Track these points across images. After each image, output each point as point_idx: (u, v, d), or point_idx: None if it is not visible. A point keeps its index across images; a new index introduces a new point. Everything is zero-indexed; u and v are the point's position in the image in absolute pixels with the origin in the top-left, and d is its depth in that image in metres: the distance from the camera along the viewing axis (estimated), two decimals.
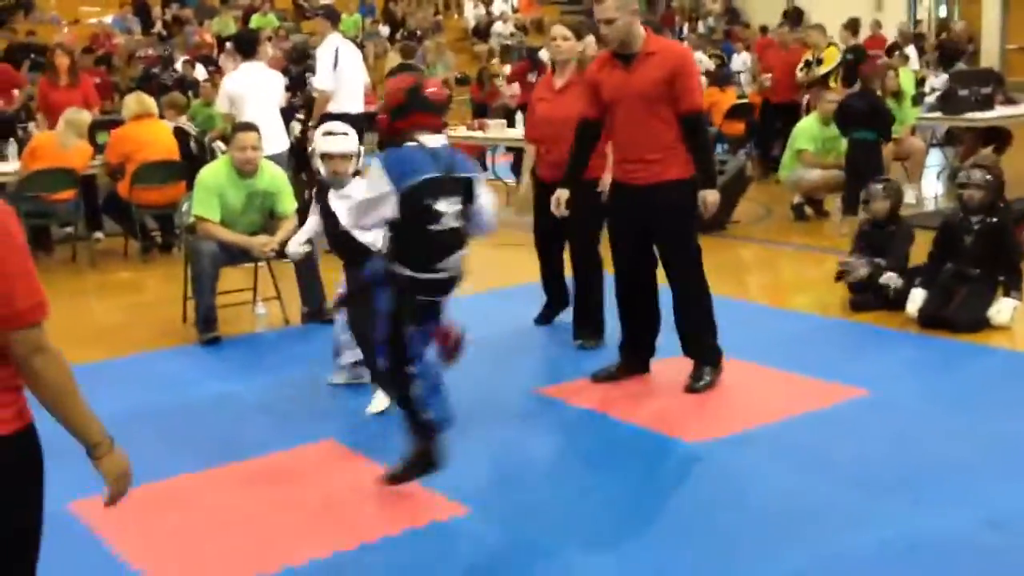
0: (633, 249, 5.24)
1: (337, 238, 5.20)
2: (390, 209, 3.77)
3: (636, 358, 5.42)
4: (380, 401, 4.96)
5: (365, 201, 3.89)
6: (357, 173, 5.32)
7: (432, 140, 3.86)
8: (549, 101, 6.02)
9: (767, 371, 5.45)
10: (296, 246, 5.45)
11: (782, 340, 6.06)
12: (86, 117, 9.14)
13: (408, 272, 3.86)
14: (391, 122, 3.91)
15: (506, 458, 4.58)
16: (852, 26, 14.83)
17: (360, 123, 9.21)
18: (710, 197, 5.03)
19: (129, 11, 19.50)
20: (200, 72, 15.03)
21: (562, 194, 5.31)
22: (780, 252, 9.09)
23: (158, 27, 19.55)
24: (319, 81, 9.10)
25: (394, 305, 3.89)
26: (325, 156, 5.22)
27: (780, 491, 4.07)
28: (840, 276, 6.81)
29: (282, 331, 6.61)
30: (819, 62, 11.83)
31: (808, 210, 9.92)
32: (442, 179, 3.79)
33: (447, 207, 3.81)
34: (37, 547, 2.29)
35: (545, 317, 6.50)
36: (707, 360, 5.22)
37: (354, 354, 5.15)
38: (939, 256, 6.36)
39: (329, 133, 5.32)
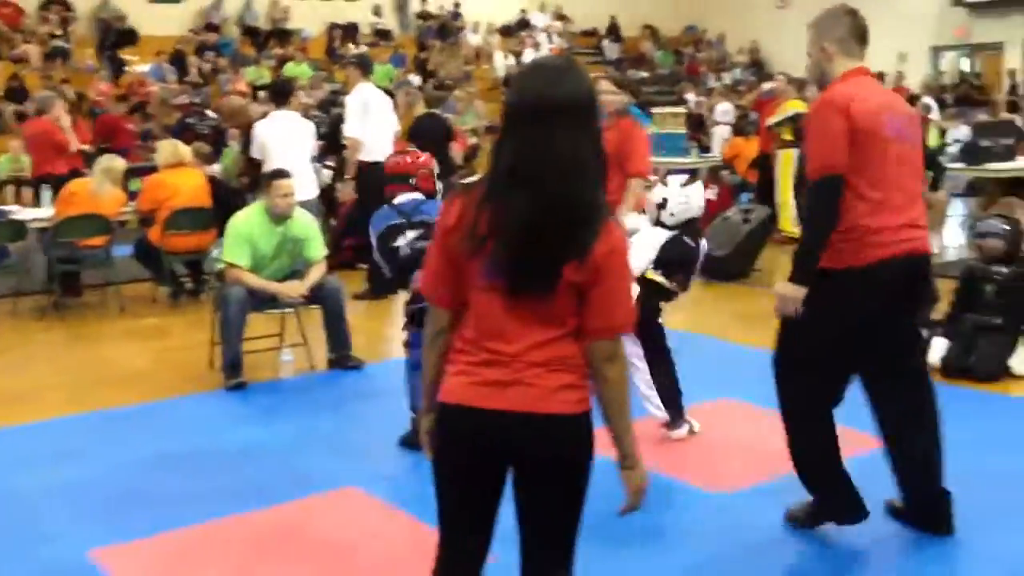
0: None
1: None
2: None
3: None
4: None
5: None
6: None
7: (401, 198, 5.36)
8: None
9: None
10: None
11: None
12: (120, 164, 9.29)
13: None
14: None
15: None
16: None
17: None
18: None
19: (165, 60, 19.81)
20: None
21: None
22: None
23: (193, 75, 19.84)
24: (348, 129, 9.21)
25: None
26: None
27: (808, 539, 4.07)
28: None
29: (308, 377, 6.68)
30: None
31: None
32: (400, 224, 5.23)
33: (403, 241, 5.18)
34: None
35: None
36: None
37: None
38: (960, 306, 6.37)
39: None
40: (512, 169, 2.39)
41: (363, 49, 21.53)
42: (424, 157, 5.54)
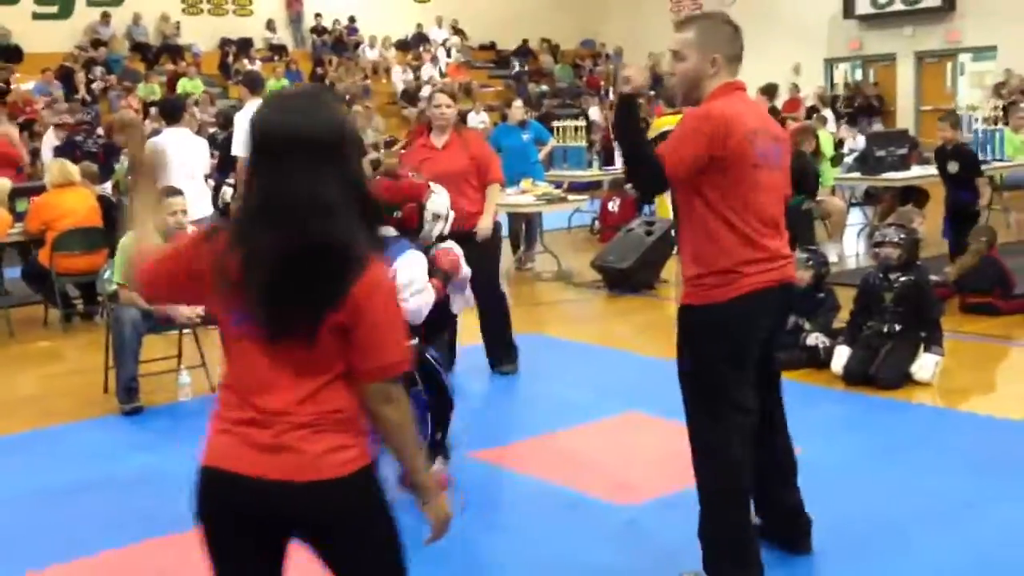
0: None
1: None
2: None
3: None
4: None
5: None
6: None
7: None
8: (433, 159, 6.40)
9: None
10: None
11: None
12: (5, 184, 8.97)
13: None
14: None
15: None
16: (769, 91, 15.17)
17: None
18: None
19: (51, 76, 19.27)
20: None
21: None
22: None
23: (82, 93, 19.34)
24: (235, 147, 9.04)
25: None
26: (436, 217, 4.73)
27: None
28: None
29: (207, 398, 6.48)
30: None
31: None
32: None
33: None
34: None
35: None
36: None
37: None
38: (860, 314, 6.47)
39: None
40: (260, 208, 2.23)
41: (256, 65, 21.27)
42: (419, 184, 4.53)
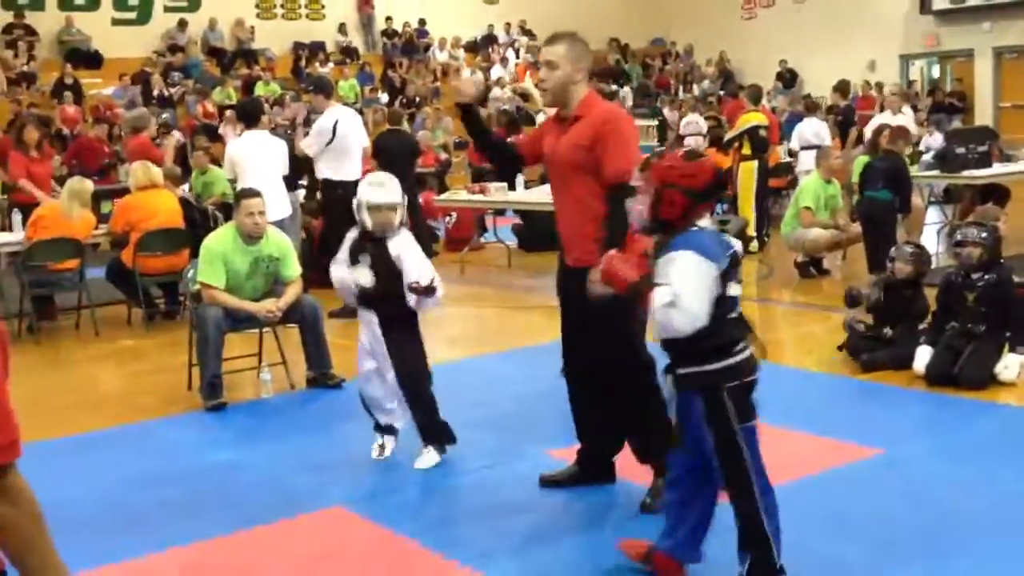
0: (575, 340, 4.58)
1: (386, 285, 5.08)
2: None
3: (596, 465, 4.78)
4: (431, 457, 5.11)
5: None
6: (403, 224, 5.19)
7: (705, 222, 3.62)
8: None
9: (779, 431, 5.38)
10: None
11: (791, 399, 6.00)
12: (89, 186, 9.18)
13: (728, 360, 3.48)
14: (695, 206, 3.54)
15: (521, 522, 4.50)
16: (841, 88, 14.99)
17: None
18: (594, 275, 3.86)
19: (128, 82, 19.66)
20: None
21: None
22: (782, 311, 9.10)
23: (160, 95, 19.71)
24: (305, 144, 9.16)
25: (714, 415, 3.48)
26: (372, 208, 5.07)
27: (796, 552, 4.02)
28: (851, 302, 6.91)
29: (288, 396, 6.59)
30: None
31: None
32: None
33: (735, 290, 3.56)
34: None
35: None
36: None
37: (386, 414, 5.27)
38: (943, 314, 6.37)
39: (376, 184, 5.17)
40: None
41: (328, 68, 21.50)
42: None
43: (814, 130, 13.22)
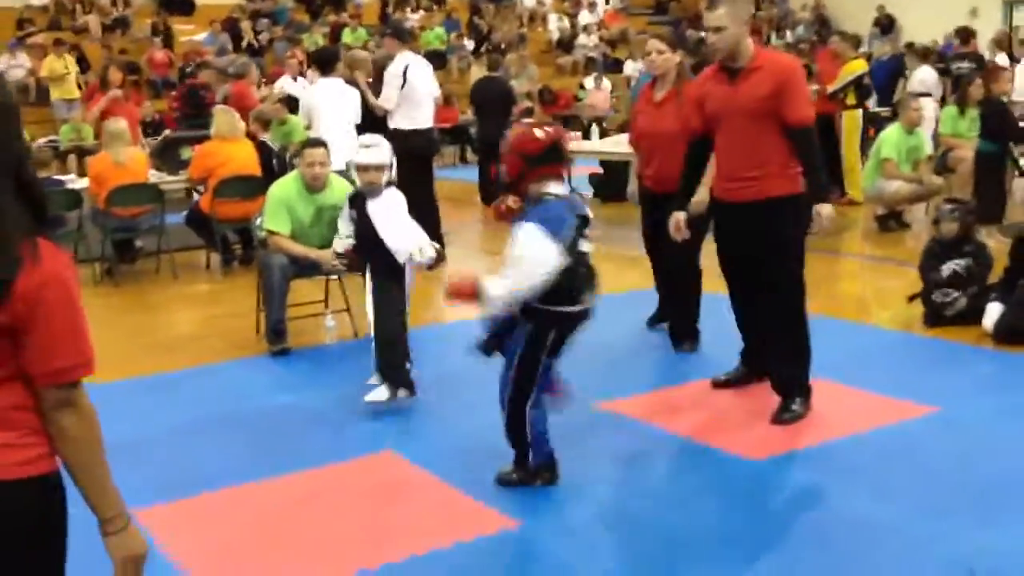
0: (742, 270, 5.09)
1: (369, 242, 5.44)
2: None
3: (757, 364, 5.34)
4: (380, 392, 5.28)
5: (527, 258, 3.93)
6: (391, 184, 5.59)
7: (560, 189, 4.05)
8: (648, 114, 6.13)
9: (837, 387, 5.34)
10: (340, 246, 5.78)
11: (855, 356, 5.95)
12: (123, 124, 9.15)
13: (561, 308, 4.04)
14: (526, 168, 3.99)
15: (563, 476, 4.52)
16: (963, 35, 14.39)
17: (432, 137, 9.30)
18: (824, 211, 4.79)
19: (219, 28, 19.90)
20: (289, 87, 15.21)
21: (679, 217, 5.20)
22: (859, 264, 8.94)
23: (248, 44, 19.93)
24: (383, 99, 9.10)
25: (532, 342, 4.08)
26: (360, 168, 5.50)
27: (843, 510, 4.00)
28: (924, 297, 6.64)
29: (351, 343, 6.69)
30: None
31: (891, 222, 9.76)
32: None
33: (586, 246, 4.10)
34: None
35: (659, 318, 6.62)
36: (796, 393, 5.00)
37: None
38: (1015, 271, 6.19)
39: (364, 146, 5.58)
40: None
41: (417, 15, 21.47)
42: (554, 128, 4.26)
43: (921, 77, 12.97)
